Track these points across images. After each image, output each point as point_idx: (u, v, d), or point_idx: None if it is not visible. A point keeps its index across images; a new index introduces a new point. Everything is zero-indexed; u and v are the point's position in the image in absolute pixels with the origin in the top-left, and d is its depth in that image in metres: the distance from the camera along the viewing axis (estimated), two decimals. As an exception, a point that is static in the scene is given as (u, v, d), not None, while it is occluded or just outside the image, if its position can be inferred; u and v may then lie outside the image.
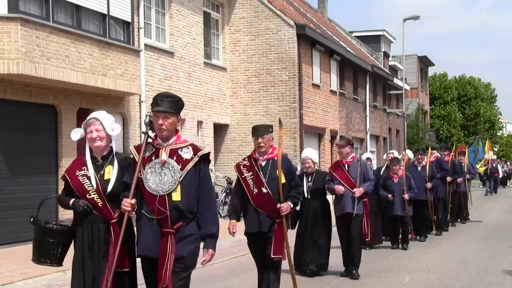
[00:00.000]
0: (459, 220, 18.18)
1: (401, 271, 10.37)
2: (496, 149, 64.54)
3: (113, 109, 16.25)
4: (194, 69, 20.51)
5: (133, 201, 4.87)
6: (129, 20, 16.42)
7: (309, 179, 9.95)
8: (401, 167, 13.08)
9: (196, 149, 4.95)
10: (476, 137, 28.04)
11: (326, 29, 30.92)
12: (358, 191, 9.68)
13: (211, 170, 20.41)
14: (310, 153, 10.06)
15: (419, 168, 14.63)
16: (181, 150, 4.93)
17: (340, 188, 9.68)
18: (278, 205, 6.96)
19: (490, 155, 33.70)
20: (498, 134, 70.60)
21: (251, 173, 7.10)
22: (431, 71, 57.18)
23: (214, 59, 22.30)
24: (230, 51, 22.96)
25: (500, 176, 40.08)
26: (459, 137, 55.15)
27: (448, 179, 16.16)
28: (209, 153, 5.04)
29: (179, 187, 4.83)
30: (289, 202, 7.10)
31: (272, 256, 6.95)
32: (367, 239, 10.28)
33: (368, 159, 13.65)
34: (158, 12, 19.08)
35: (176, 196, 4.81)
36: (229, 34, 22.97)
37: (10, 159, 13.29)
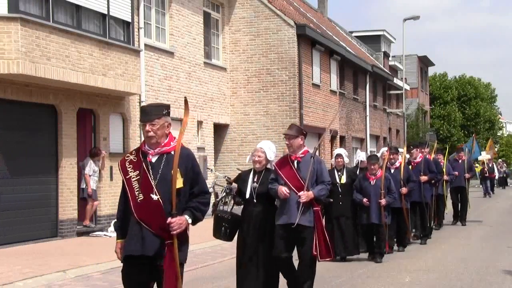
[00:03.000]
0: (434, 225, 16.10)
1: (401, 271, 10.37)
2: (496, 149, 64.49)
3: (113, 109, 16.26)
4: (194, 69, 20.52)
5: None
6: (129, 20, 16.43)
7: (256, 179, 7.67)
8: (380, 167, 11.39)
9: None
10: (473, 136, 27.80)
11: (326, 29, 30.93)
12: (305, 195, 7.43)
13: (211, 170, 20.43)
14: (267, 146, 7.75)
15: (392, 170, 12.57)
16: None
17: (283, 190, 7.41)
18: (169, 219, 4.99)
19: (483, 155, 33.44)
20: (498, 134, 70.60)
21: (137, 172, 5.17)
22: (431, 71, 57.22)
23: (214, 59, 22.30)
24: (230, 51, 22.96)
25: (497, 177, 39.65)
26: (459, 137, 55.16)
27: (424, 178, 14.00)
28: None
29: None
30: (186, 216, 5.09)
31: None
32: (322, 259, 7.74)
33: (339, 155, 11.38)
34: (158, 12, 19.09)
35: None
36: (229, 34, 22.97)
37: (10, 159, 13.30)
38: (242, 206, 7.84)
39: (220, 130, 22.53)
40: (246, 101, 22.80)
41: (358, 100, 31.29)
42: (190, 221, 5.11)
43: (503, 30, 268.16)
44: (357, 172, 11.94)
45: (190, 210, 5.14)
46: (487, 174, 34.13)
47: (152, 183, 5.07)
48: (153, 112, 5.15)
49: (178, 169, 5.01)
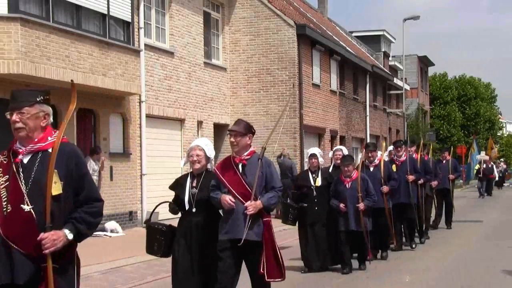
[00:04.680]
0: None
1: (401, 271, 10.37)
2: (496, 149, 64.47)
3: (113, 109, 16.26)
4: (194, 69, 20.52)
5: None
6: (129, 20, 16.44)
7: (195, 183, 6.56)
8: (355, 168, 10.39)
9: None
10: (473, 136, 27.75)
11: (326, 29, 30.94)
12: (253, 206, 6.25)
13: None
14: (204, 143, 6.69)
15: (371, 169, 11.62)
16: None
17: (227, 200, 6.26)
18: (41, 234, 3.85)
19: (482, 155, 33.27)
20: (498, 134, 70.61)
21: (7, 177, 4.01)
22: (431, 71, 57.22)
23: (214, 59, 22.31)
24: (230, 51, 22.96)
25: (496, 177, 39.10)
26: (459, 137, 55.18)
27: (411, 177, 12.87)
28: None
29: None
30: (64, 230, 3.93)
31: None
32: (270, 279, 6.40)
33: (313, 156, 10.28)
34: (158, 12, 19.09)
35: None
36: (229, 34, 22.97)
37: (10, 159, 13.28)
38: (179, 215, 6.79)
39: (220, 130, 22.52)
40: (246, 101, 22.81)
41: (358, 100, 31.29)
42: (70, 236, 3.93)
43: (503, 30, 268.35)
44: (330, 170, 11.01)
45: (72, 222, 3.96)
46: (481, 175, 33.86)
47: (23, 190, 3.92)
48: (23, 98, 4.02)
49: (56, 171, 3.90)
